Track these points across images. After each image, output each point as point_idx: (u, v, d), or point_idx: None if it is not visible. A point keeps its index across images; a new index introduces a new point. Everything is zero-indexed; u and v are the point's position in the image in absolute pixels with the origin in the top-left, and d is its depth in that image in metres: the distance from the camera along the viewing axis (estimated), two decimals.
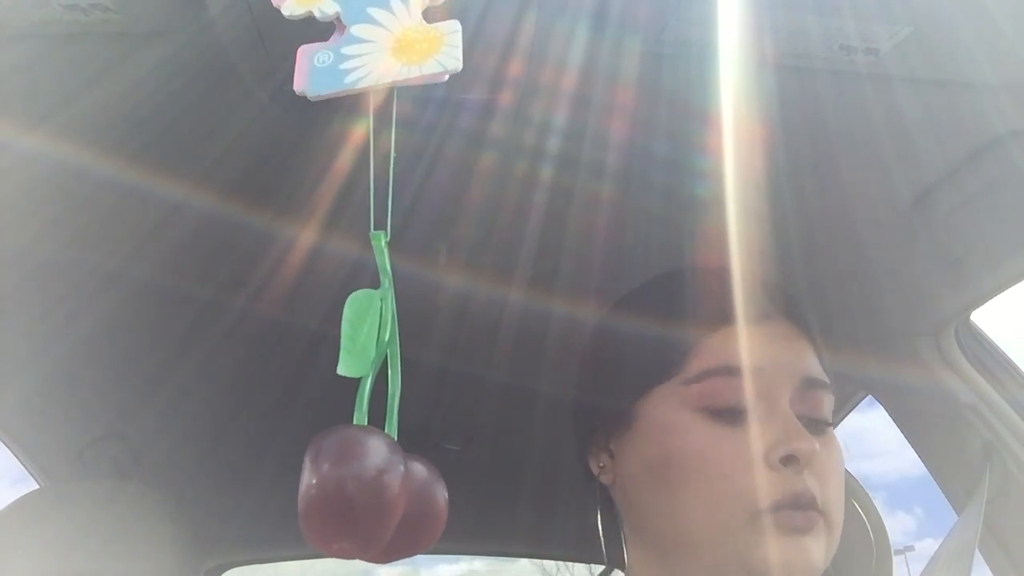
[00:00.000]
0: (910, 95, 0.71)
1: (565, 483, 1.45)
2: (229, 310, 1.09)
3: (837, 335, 0.89)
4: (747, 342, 0.59)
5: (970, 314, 0.91)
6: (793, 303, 0.65)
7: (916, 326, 0.92)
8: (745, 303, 0.61)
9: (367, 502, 0.33)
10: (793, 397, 0.59)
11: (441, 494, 0.37)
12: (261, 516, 1.51)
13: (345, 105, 0.63)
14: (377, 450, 0.34)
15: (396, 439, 0.36)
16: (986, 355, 0.93)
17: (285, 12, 0.42)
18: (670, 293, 0.66)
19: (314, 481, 0.33)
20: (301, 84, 0.39)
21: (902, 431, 1.01)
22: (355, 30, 0.41)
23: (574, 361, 0.74)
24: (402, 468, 0.35)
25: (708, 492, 0.56)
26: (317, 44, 0.41)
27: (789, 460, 0.56)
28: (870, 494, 0.98)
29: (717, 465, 0.57)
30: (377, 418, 0.37)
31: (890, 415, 1.02)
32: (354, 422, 0.35)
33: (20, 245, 0.91)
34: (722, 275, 0.64)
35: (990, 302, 0.86)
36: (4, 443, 1.20)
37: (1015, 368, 0.92)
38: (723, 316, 0.60)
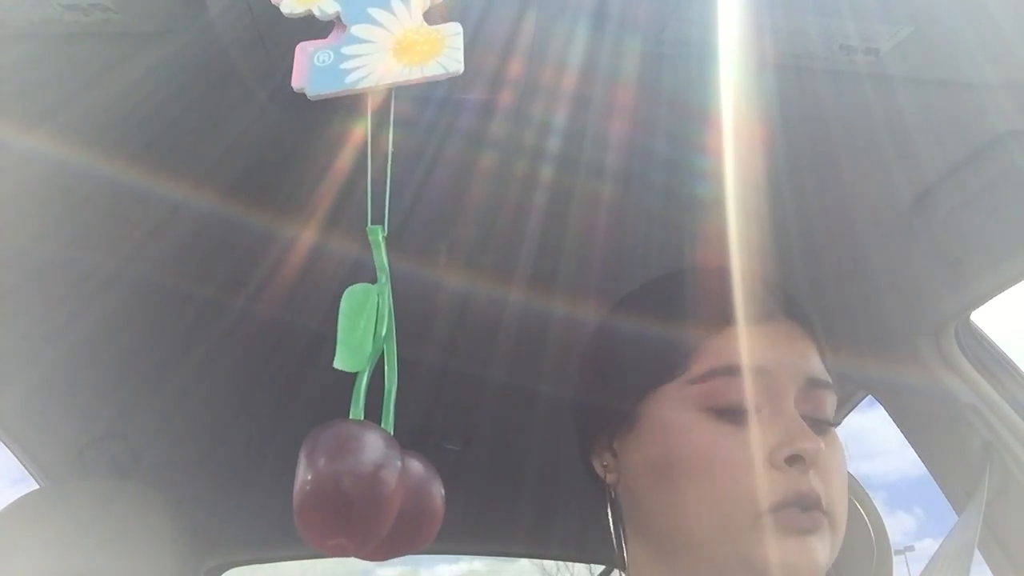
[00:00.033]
0: (910, 95, 0.71)
1: (565, 483, 1.45)
2: (229, 310, 1.09)
3: (837, 335, 0.89)
4: (751, 342, 0.59)
5: (970, 314, 0.91)
6: (796, 303, 0.65)
7: (916, 326, 0.92)
8: (749, 303, 0.61)
9: (363, 498, 0.32)
10: (797, 397, 0.59)
11: (438, 491, 0.36)
12: (261, 516, 1.51)
13: (345, 105, 0.63)
14: (374, 445, 0.34)
15: (392, 435, 0.36)
16: (986, 355, 0.93)
17: (284, 10, 0.42)
18: (674, 293, 0.66)
19: (310, 476, 0.32)
20: (300, 81, 0.39)
21: (902, 431, 1.01)
22: (355, 30, 0.41)
23: (574, 361, 0.74)
24: (399, 463, 0.34)
25: (712, 492, 0.56)
26: (316, 42, 0.41)
27: (794, 460, 0.56)
28: (870, 494, 0.98)
29: (721, 465, 0.57)
30: (374, 415, 0.36)
31: (890, 415, 1.02)
32: (350, 418, 0.35)
33: (20, 245, 0.91)
34: (725, 275, 0.64)
35: (990, 302, 0.86)
36: (4, 443, 1.20)
37: (1015, 368, 0.92)
38: (727, 316, 0.60)
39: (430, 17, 0.41)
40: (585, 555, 1.99)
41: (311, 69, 0.40)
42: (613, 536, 0.65)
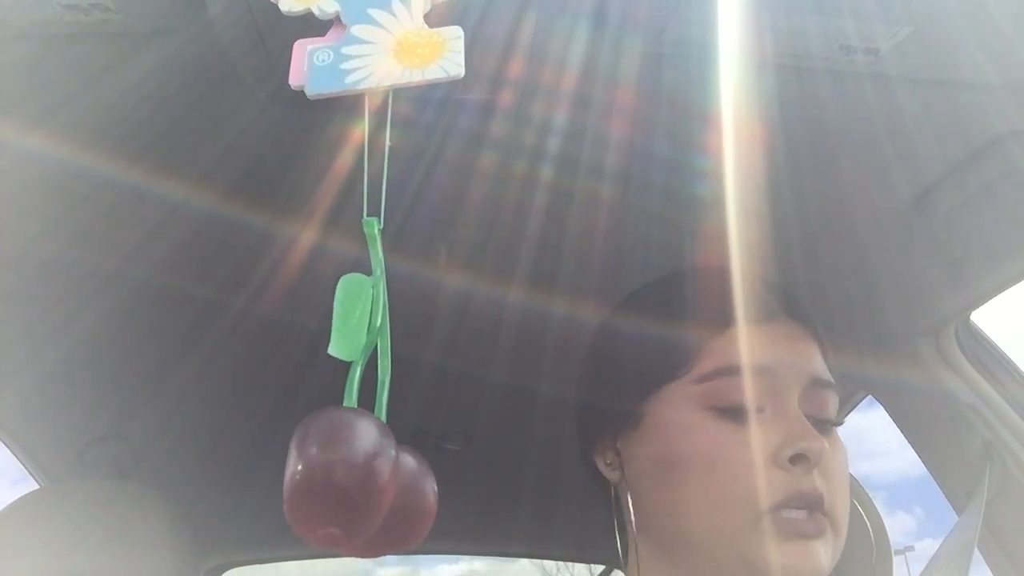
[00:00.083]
0: (910, 95, 0.71)
1: (565, 483, 1.45)
2: (229, 310, 1.09)
3: (837, 335, 0.89)
4: (755, 342, 0.60)
5: (970, 314, 0.91)
6: (797, 303, 0.65)
7: (916, 326, 0.92)
8: (751, 303, 0.61)
9: (356, 486, 0.32)
10: (801, 397, 0.59)
11: (431, 488, 0.36)
12: (261, 516, 1.50)
13: (345, 105, 0.63)
14: (368, 433, 0.33)
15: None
16: (986, 355, 0.93)
17: (283, 8, 0.42)
18: (677, 293, 0.66)
19: (301, 464, 0.32)
20: (298, 79, 0.39)
21: (902, 431, 1.01)
22: (355, 30, 0.41)
23: (575, 360, 0.74)
24: (393, 453, 0.34)
25: (716, 491, 0.56)
26: (316, 40, 0.41)
27: (798, 459, 0.56)
28: (870, 494, 0.98)
29: (725, 464, 0.57)
30: (368, 408, 0.36)
31: (890, 415, 1.02)
32: None
33: (20, 245, 0.91)
34: (727, 275, 0.64)
35: (990, 302, 0.86)
36: (4, 443, 1.20)
37: (1015, 368, 0.92)
38: (730, 316, 0.61)
39: (430, 19, 0.41)
40: (585, 555, 1.99)
41: (311, 68, 0.40)
42: (617, 534, 0.65)
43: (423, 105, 0.76)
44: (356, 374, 0.36)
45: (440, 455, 1.53)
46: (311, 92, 0.39)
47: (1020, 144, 0.72)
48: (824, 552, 0.55)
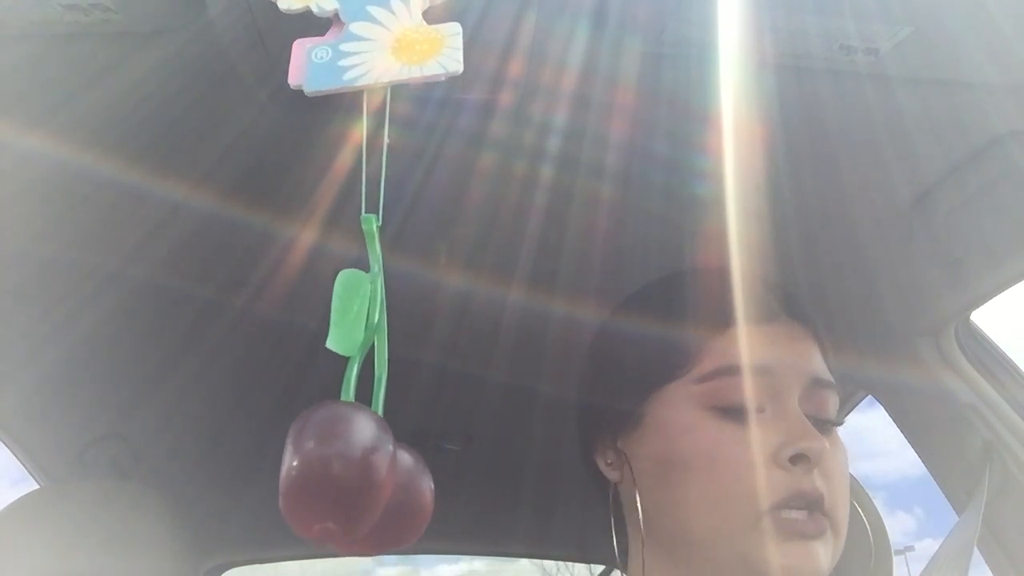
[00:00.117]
0: (910, 95, 0.71)
1: (565, 483, 1.45)
2: (229, 310, 1.09)
3: (837, 335, 0.89)
4: (756, 342, 0.60)
5: (970, 314, 0.91)
6: (798, 303, 0.65)
7: (916, 326, 0.92)
8: (752, 303, 0.61)
9: (353, 480, 0.31)
10: (801, 397, 0.59)
11: (428, 485, 0.35)
12: (261, 516, 1.51)
13: (345, 105, 0.63)
14: (365, 428, 0.33)
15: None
16: (986, 355, 0.93)
17: (282, 6, 0.42)
18: (678, 294, 0.66)
19: (297, 458, 0.31)
20: (297, 78, 0.39)
21: (902, 431, 1.01)
22: (354, 27, 0.41)
23: (574, 360, 0.74)
24: (391, 448, 0.33)
25: (716, 491, 0.56)
26: (315, 39, 0.41)
27: (799, 459, 0.56)
28: (870, 494, 0.98)
29: (726, 464, 0.57)
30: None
31: (890, 415, 1.02)
32: None
33: (20, 245, 0.91)
34: (728, 276, 0.64)
35: (990, 302, 0.86)
36: (4, 443, 1.20)
37: (1015, 368, 0.92)
38: (731, 317, 0.61)
39: (429, 17, 0.41)
40: (585, 555, 1.99)
41: (309, 65, 0.40)
42: (613, 534, 0.65)
43: (423, 105, 0.76)
44: (353, 370, 0.36)
45: (440, 455, 1.53)
46: (309, 89, 0.39)
47: (1020, 144, 0.72)
48: (824, 552, 0.55)
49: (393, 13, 0.41)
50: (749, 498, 0.55)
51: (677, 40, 0.67)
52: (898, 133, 0.75)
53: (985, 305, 0.87)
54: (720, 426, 0.58)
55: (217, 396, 1.30)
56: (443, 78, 0.39)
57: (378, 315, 0.37)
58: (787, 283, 0.69)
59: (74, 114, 0.73)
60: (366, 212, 0.38)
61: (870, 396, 1.07)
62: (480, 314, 1.14)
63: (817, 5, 0.63)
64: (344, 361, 0.37)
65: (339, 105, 0.72)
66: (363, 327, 0.37)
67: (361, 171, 0.39)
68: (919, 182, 0.81)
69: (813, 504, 0.56)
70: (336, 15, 0.41)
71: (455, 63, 0.39)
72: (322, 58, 0.40)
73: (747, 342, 0.60)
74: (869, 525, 0.88)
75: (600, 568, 2.03)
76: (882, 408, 1.04)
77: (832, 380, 0.62)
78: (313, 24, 0.42)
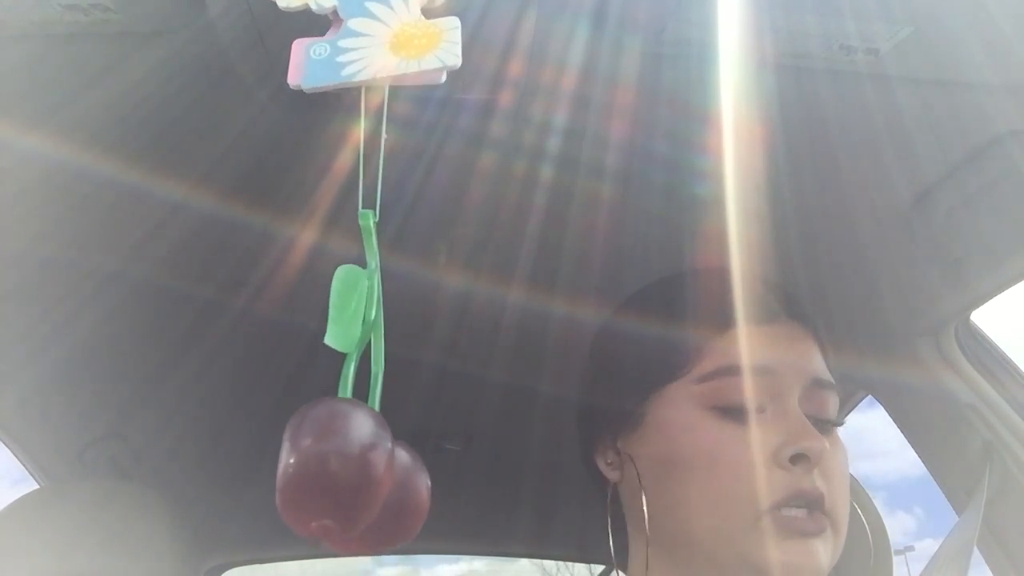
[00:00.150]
0: (910, 95, 0.71)
1: (565, 483, 1.45)
2: (229, 310, 1.09)
3: (837, 335, 0.89)
4: (756, 342, 0.60)
5: (970, 314, 0.91)
6: (798, 304, 0.66)
7: (916, 326, 0.92)
8: (752, 304, 0.62)
9: (352, 476, 0.31)
10: (801, 397, 0.59)
11: (424, 483, 0.35)
12: (261, 516, 1.51)
13: (345, 105, 0.63)
14: (363, 424, 0.33)
15: None
16: (986, 355, 0.93)
17: (281, 4, 0.42)
18: (678, 294, 0.66)
19: (294, 454, 0.31)
20: (297, 78, 0.39)
21: (902, 431, 1.01)
22: (353, 24, 0.41)
23: (575, 360, 0.74)
24: (389, 445, 0.33)
25: (717, 490, 0.56)
26: (314, 38, 0.41)
27: (799, 459, 0.56)
28: (870, 494, 0.98)
29: (726, 463, 0.57)
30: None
31: (890, 415, 1.02)
32: None
33: (20, 245, 0.91)
34: (729, 276, 0.64)
35: (990, 302, 0.86)
36: (4, 443, 1.20)
37: (1015, 368, 0.92)
38: (731, 317, 0.61)
39: (428, 14, 0.41)
40: (585, 555, 1.99)
41: (307, 62, 0.39)
42: (610, 534, 0.65)
43: (423, 105, 0.76)
44: (351, 367, 0.36)
45: (440, 455, 1.53)
46: (307, 85, 0.39)
47: (1020, 144, 0.72)
48: (824, 550, 0.55)
49: (392, 9, 0.41)
50: (749, 498, 0.55)
51: (677, 40, 0.67)
52: (898, 133, 0.75)
53: (985, 305, 0.87)
54: (720, 426, 0.58)
55: (217, 396, 1.30)
56: (442, 77, 0.39)
57: (375, 311, 0.37)
58: (787, 283, 0.69)
59: (74, 114, 0.73)
60: (361, 198, 0.38)
61: (870, 396, 1.07)
62: (480, 314, 1.14)
63: (817, 5, 0.63)
64: (343, 360, 0.37)
65: (339, 105, 0.72)
66: (360, 323, 0.36)
67: (360, 170, 0.39)
68: (919, 182, 0.81)
69: (813, 504, 0.56)
70: (335, 12, 0.41)
71: (453, 57, 0.39)
72: (320, 54, 0.40)
73: (747, 342, 0.60)
74: (869, 525, 0.88)
75: (600, 568, 2.03)
76: (882, 408, 1.04)
77: (832, 380, 0.62)
78: (313, 24, 0.42)
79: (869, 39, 0.65)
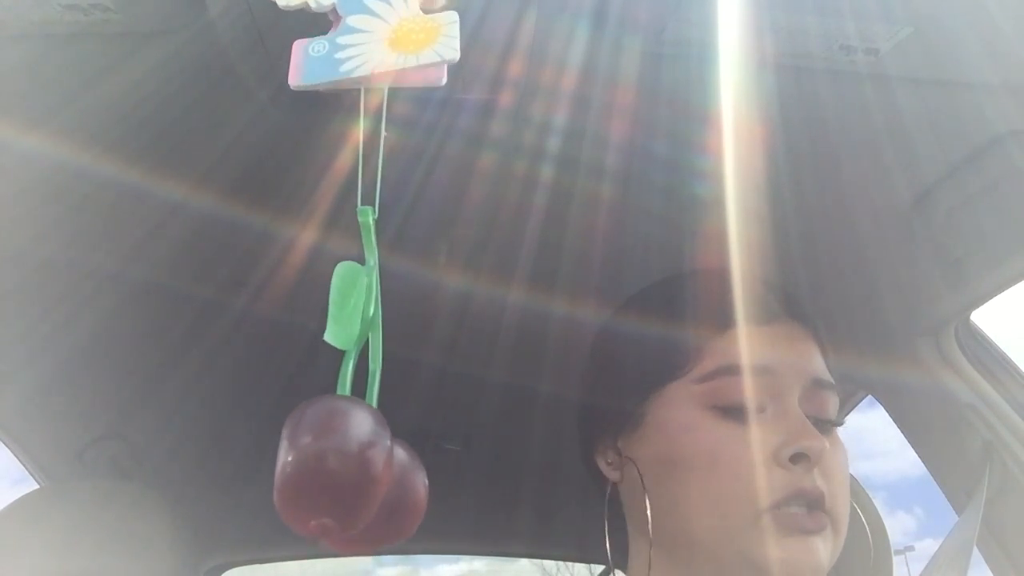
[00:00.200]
0: (910, 95, 0.71)
1: (565, 483, 1.45)
2: (229, 310, 1.09)
3: (837, 335, 0.89)
4: (756, 342, 0.60)
5: (970, 314, 0.91)
6: (798, 304, 0.66)
7: (916, 326, 0.92)
8: (753, 304, 0.62)
9: (351, 474, 0.31)
10: (801, 397, 0.60)
11: (422, 482, 0.35)
12: (261, 516, 1.51)
13: (345, 105, 0.63)
14: (363, 422, 0.32)
15: None
16: (986, 355, 0.93)
17: (280, 3, 0.41)
18: (679, 295, 0.66)
19: (293, 452, 0.31)
20: (297, 79, 0.39)
21: (902, 431, 1.01)
22: (352, 20, 0.40)
23: (574, 360, 0.74)
24: (388, 443, 0.33)
25: (717, 490, 0.57)
26: (314, 37, 0.41)
27: (799, 458, 0.56)
28: (870, 494, 0.98)
29: (726, 463, 0.57)
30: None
31: (890, 415, 1.02)
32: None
33: (20, 245, 0.91)
34: (729, 276, 0.65)
35: (990, 302, 0.86)
36: (4, 443, 1.20)
37: (1015, 368, 0.92)
38: (732, 317, 0.61)
39: (428, 10, 0.41)
40: (585, 555, 1.99)
41: (306, 59, 0.39)
42: (606, 534, 0.65)
43: (423, 105, 0.76)
44: (349, 364, 0.36)
45: (440, 455, 1.53)
46: (305, 83, 0.39)
47: (1020, 144, 0.72)
48: (824, 548, 0.55)
49: (390, 5, 0.40)
50: (750, 497, 0.55)
51: (677, 40, 0.67)
52: (898, 133, 0.75)
53: (985, 305, 0.87)
54: (721, 425, 0.58)
55: (217, 396, 1.30)
56: (443, 79, 0.39)
57: (373, 309, 0.37)
58: (787, 283, 0.69)
59: (74, 114, 0.73)
60: (360, 195, 0.38)
61: (870, 396, 1.07)
62: (480, 314, 1.14)
63: (817, 5, 0.63)
64: (342, 358, 0.37)
65: (339, 105, 0.72)
66: (359, 321, 0.36)
67: (361, 169, 0.39)
68: (919, 182, 0.81)
69: (814, 503, 0.56)
70: (334, 10, 0.41)
71: (452, 51, 0.38)
72: (319, 51, 0.39)
73: (748, 342, 0.60)
74: (869, 525, 0.88)
75: (600, 568, 2.03)
76: (882, 408, 1.04)
77: (832, 381, 0.62)
78: (314, 24, 0.42)
79: (869, 39, 0.65)
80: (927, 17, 0.63)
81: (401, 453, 0.34)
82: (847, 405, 1.11)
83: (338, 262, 0.38)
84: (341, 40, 0.40)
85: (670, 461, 0.59)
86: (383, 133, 0.39)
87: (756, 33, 0.65)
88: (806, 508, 0.56)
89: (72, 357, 1.11)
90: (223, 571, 1.77)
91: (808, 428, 0.57)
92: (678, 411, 0.60)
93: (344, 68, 0.38)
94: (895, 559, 0.96)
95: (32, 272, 0.95)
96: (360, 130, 0.39)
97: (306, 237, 0.92)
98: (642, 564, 0.63)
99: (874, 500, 0.97)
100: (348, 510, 0.31)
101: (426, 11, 0.41)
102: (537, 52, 0.69)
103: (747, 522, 0.55)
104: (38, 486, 1.23)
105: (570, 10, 0.67)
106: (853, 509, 0.61)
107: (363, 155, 0.39)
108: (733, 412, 0.58)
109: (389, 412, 0.36)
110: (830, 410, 0.62)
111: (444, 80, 0.39)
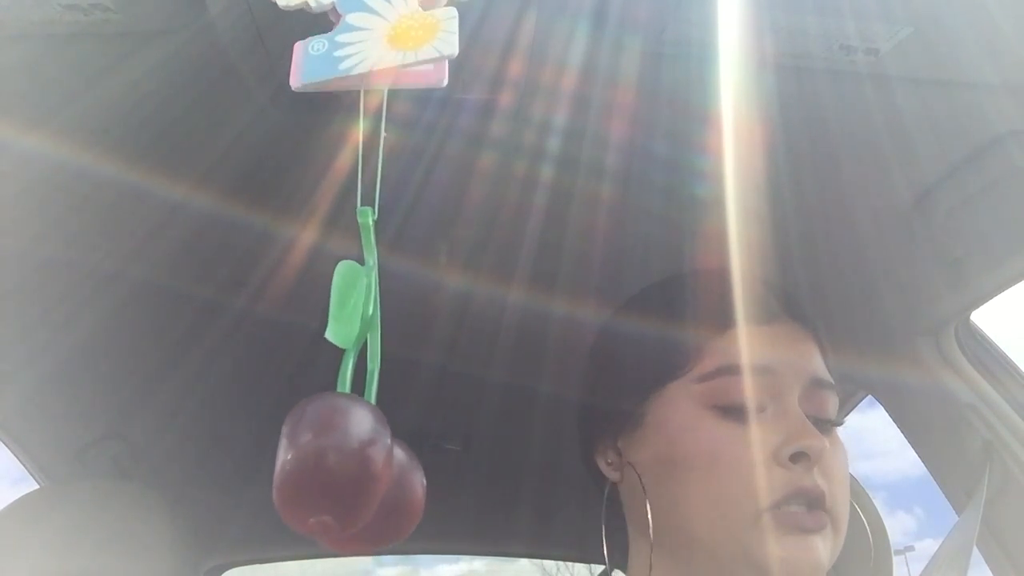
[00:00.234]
0: (910, 95, 0.71)
1: (565, 483, 1.45)
2: (229, 310, 1.09)
3: (837, 335, 0.89)
4: (757, 342, 0.60)
5: (970, 314, 0.91)
6: (798, 304, 0.66)
7: (916, 326, 0.92)
8: (753, 304, 0.62)
9: (351, 472, 0.31)
10: (801, 397, 0.60)
11: (420, 481, 0.35)
12: (261, 516, 1.51)
13: (345, 105, 0.63)
14: (363, 420, 0.32)
15: None
16: (986, 355, 0.93)
17: (280, 2, 0.41)
18: (679, 295, 0.66)
19: (293, 449, 0.31)
20: (298, 80, 0.39)
21: (902, 431, 1.01)
22: (351, 19, 0.40)
23: (574, 361, 0.74)
24: (388, 441, 0.33)
25: (716, 488, 0.57)
26: (314, 37, 0.41)
27: (799, 457, 0.56)
28: (870, 494, 0.98)
29: (726, 462, 0.57)
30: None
31: (890, 415, 1.02)
32: None
33: (20, 245, 0.91)
34: (729, 276, 0.65)
35: (990, 302, 0.86)
36: (4, 443, 1.20)
37: (1015, 368, 0.92)
38: (732, 317, 0.61)
39: (427, 7, 0.41)
40: (585, 555, 1.99)
41: (305, 58, 0.39)
42: (603, 534, 0.66)
43: (423, 105, 0.76)
44: (349, 363, 0.36)
45: (440, 455, 1.53)
46: (306, 82, 0.39)
47: (1020, 144, 0.72)
48: (823, 547, 0.55)
49: (390, 3, 0.40)
50: (750, 496, 0.55)
51: (677, 40, 0.67)
52: (898, 133, 0.75)
53: (985, 305, 0.87)
54: (721, 425, 0.58)
55: (217, 396, 1.30)
56: (444, 80, 0.39)
57: (372, 308, 0.37)
58: (787, 283, 0.69)
59: (74, 114, 0.73)
60: (360, 195, 0.38)
61: (870, 396, 1.07)
62: (480, 314, 1.14)
63: (817, 5, 0.63)
64: (342, 357, 0.37)
65: (339, 105, 0.72)
66: (359, 319, 0.36)
67: (361, 169, 0.39)
68: (919, 182, 0.81)
69: (814, 502, 0.56)
70: (334, 9, 0.41)
71: (450, 46, 0.38)
72: (318, 50, 0.39)
73: (748, 342, 0.60)
74: (869, 525, 0.88)
75: (600, 568, 2.03)
76: (882, 408, 1.04)
77: (832, 381, 0.62)
78: (314, 25, 0.42)
79: (869, 39, 0.65)
80: (927, 17, 0.63)
81: (400, 453, 0.34)
82: (847, 405, 1.11)
83: (338, 262, 0.38)
84: (340, 38, 0.40)
85: (670, 461, 0.59)
86: (383, 133, 0.39)
87: (756, 33, 0.65)
88: (806, 507, 0.56)
89: (72, 357, 1.11)
90: (223, 571, 1.77)
91: (808, 427, 0.57)
92: (678, 411, 0.60)
93: (343, 66, 0.38)
94: (895, 559, 0.96)
95: (32, 272, 0.95)
96: (360, 130, 0.39)
97: (306, 237, 0.92)
98: (642, 564, 0.63)
99: (874, 500, 0.97)
100: (348, 508, 0.31)
101: (426, 8, 0.41)
102: (537, 52, 0.69)
103: (747, 521, 0.55)
104: (38, 486, 1.23)
105: (570, 10, 0.67)
106: (853, 509, 0.61)
107: (363, 155, 0.39)
108: (733, 412, 0.58)
109: (389, 412, 0.36)
110: (830, 410, 0.62)
111: (446, 82, 0.39)
